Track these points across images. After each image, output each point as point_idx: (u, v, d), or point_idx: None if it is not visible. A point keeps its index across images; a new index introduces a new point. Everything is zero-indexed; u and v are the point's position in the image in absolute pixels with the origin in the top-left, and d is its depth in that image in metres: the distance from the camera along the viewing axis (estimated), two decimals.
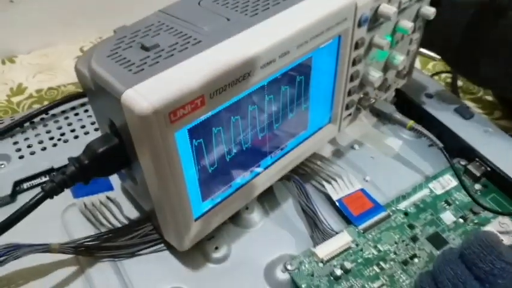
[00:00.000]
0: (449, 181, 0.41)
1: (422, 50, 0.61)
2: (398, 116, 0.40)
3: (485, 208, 0.38)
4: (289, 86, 0.34)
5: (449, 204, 0.39)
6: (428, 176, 0.42)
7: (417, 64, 0.59)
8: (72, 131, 0.44)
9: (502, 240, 0.29)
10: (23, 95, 0.51)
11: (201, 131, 0.29)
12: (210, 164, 0.32)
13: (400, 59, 0.40)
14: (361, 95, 0.41)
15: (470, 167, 0.41)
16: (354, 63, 0.37)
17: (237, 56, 0.28)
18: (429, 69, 0.59)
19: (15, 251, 0.31)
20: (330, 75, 0.37)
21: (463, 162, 0.42)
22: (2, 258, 0.31)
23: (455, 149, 0.42)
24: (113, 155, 0.30)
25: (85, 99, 0.47)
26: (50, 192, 0.29)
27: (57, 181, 0.29)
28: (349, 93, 0.39)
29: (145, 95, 0.25)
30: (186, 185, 0.30)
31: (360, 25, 0.35)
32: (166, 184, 0.29)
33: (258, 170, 0.36)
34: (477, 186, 0.40)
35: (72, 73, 0.54)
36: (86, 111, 0.46)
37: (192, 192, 0.31)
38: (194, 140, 0.29)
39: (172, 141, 0.27)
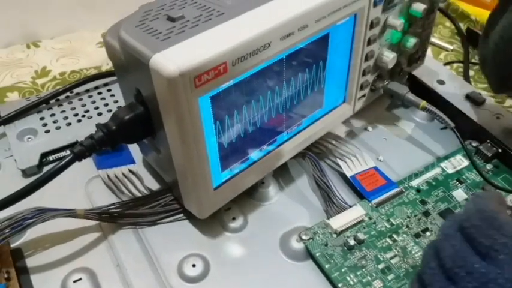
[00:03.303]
0: (461, 161, 0.42)
1: (434, 40, 0.62)
2: (412, 96, 0.41)
3: (496, 187, 0.38)
4: (307, 62, 0.35)
5: (461, 183, 0.40)
6: (440, 157, 0.43)
7: (429, 53, 0.60)
8: (96, 108, 0.46)
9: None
10: (47, 77, 0.53)
11: (223, 99, 0.31)
12: (229, 135, 0.33)
13: (413, 41, 0.41)
14: (375, 77, 0.42)
15: (481, 147, 0.42)
16: (369, 42, 0.38)
17: (258, 26, 0.29)
18: (441, 59, 0.60)
19: (43, 214, 0.33)
20: (346, 53, 0.38)
21: (474, 144, 0.43)
22: (31, 221, 0.32)
23: (467, 132, 0.43)
24: (139, 122, 0.31)
25: (108, 79, 0.49)
26: (79, 155, 0.31)
27: (86, 144, 0.31)
28: (364, 73, 0.40)
29: (172, 59, 0.26)
30: (207, 152, 0.31)
31: (375, 4, 0.36)
32: (189, 150, 0.30)
33: (274, 145, 0.38)
34: (488, 167, 0.41)
35: (95, 58, 0.57)
36: (109, 90, 0.48)
37: (213, 161, 0.33)
38: (216, 108, 0.30)
39: (196, 107, 0.28)
